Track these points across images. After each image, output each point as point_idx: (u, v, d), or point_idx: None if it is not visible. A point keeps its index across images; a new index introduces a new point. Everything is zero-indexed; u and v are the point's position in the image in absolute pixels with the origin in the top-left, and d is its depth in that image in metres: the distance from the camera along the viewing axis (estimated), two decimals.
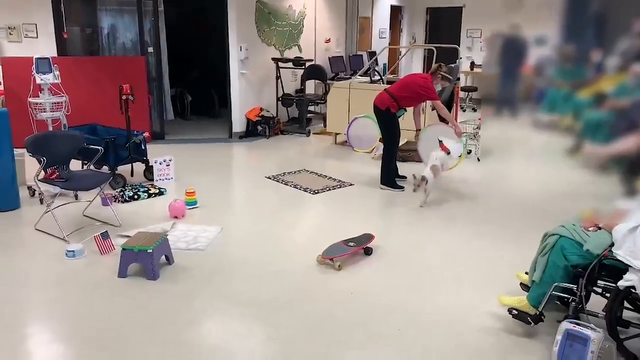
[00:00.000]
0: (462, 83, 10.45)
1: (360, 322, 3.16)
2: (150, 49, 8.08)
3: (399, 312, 3.27)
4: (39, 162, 4.29)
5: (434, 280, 3.71)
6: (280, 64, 8.87)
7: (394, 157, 5.94)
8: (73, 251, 3.93)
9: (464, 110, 11.14)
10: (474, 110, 11.27)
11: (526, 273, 3.32)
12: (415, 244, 4.36)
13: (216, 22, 8.42)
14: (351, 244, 4.01)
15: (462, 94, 9.66)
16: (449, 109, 7.85)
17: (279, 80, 8.93)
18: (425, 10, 13.71)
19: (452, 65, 7.83)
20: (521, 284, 3.35)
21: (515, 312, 3.00)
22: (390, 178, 5.88)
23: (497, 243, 4.37)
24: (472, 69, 11.92)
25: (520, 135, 8.07)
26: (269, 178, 6.26)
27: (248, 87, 8.65)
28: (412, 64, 13.48)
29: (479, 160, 7.24)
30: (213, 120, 9.80)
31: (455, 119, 7.78)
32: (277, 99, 9.02)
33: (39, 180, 4.37)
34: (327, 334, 3.03)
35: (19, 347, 2.91)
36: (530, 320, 2.94)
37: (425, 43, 13.24)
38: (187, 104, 9.97)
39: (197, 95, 10.02)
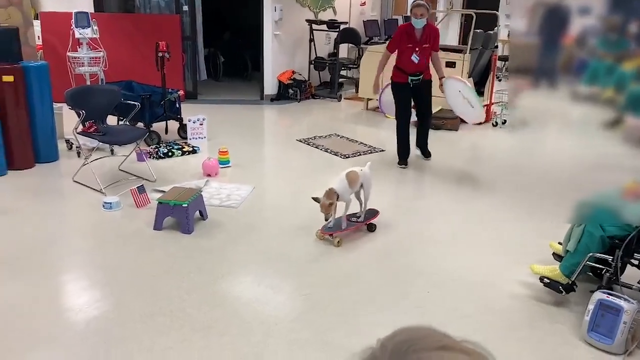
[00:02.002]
0: (499, 52, 10.16)
1: (387, 283, 3.20)
2: (185, 8, 8.06)
3: (427, 275, 3.29)
4: (78, 115, 4.37)
5: (464, 246, 3.71)
6: (314, 27, 8.76)
7: (400, 131, 5.35)
8: (110, 203, 4.03)
9: (500, 80, 10.87)
10: None
11: (559, 243, 3.29)
12: (445, 212, 4.35)
13: None
14: (354, 219, 3.84)
15: (498, 63, 9.41)
16: (486, 77, 7.68)
17: (312, 43, 8.83)
18: None
19: (491, 32, 7.62)
20: (554, 253, 3.33)
21: (546, 280, 2.99)
22: (399, 152, 5.42)
23: (530, 213, 4.32)
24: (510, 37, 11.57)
25: (557, 107, 7.88)
26: (299, 141, 6.27)
27: (281, 49, 8.59)
28: (448, 31, 13.15)
29: (510, 130, 7.10)
30: (244, 83, 9.79)
31: (492, 88, 7.62)
32: (310, 63, 8.95)
33: (77, 133, 4.47)
34: (354, 293, 3.07)
35: (59, 291, 3.04)
36: (562, 289, 2.93)
37: (463, 8, 12.86)
38: (219, 65, 9.97)
39: (229, 56, 10.00)
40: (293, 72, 8.65)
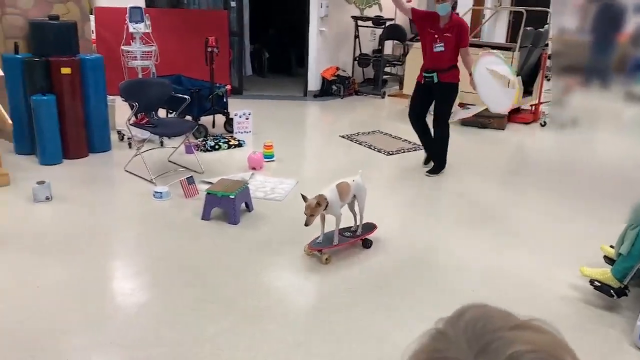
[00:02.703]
0: (549, 50, 9.90)
1: (431, 279, 3.19)
2: (233, 4, 8.18)
3: (472, 273, 3.26)
4: (131, 107, 4.52)
5: (511, 245, 3.65)
6: (360, 23, 8.76)
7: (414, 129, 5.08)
8: (160, 193, 4.16)
9: (549, 80, 10.59)
10: None
11: (611, 246, 3.20)
12: (495, 209, 4.29)
13: None
14: (347, 234, 3.54)
15: (548, 62, 9.18)
16: (535, 76, 7.51)
17: (357, 40, 8.83)
18: None
19: (542, 29, 7.44)
20: (605, 257, 3.24)
21: (597, 283, 2.91)
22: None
23: (580, 214, 4.22)
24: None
25: (610, 107, 7.63)
26: (342, 137, 6.29)
27: (325, 46, 8.62)
28: (496, 28, 12.89)
29: (558, 129, 6.92)
30: (288, 78, 9.88)
31: (541, 87, 7.45)
32: (354, 59, 8.95)
33: (130, 124, 4.62)
34: (395, 288, 3.07)
35: (111, 276, 3.16)
36: (613, 292, 2.85)
37: (511, 5, 12.58)
38: (264, 61, 10.09)
39: (274, 52, 10.10)
40: (337, 69, 8.67)
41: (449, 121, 4.93)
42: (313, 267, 3.28)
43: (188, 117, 5.90)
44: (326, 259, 3.30)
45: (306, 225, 3.18)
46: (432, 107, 4.94)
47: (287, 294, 2.99)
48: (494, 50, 4.91)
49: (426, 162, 5.20)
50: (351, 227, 3.60)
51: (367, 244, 3.54)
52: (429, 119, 5.00)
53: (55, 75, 4.82)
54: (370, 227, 3.63)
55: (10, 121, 4.39)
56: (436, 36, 4.62)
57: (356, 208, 3.57)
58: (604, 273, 2.99)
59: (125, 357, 2.45)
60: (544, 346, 0.49)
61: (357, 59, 8.94)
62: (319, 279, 3.15)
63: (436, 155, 5.05)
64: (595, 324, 2.80)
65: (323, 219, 3.37)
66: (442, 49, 4.59)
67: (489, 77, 4.66)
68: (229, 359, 2.44)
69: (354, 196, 3.50)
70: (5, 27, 4.96)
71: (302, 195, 3.28)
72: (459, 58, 4.74)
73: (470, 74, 4.70)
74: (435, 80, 4.68)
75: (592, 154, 6.22)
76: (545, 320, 0.57)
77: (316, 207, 3.18)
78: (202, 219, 3.85)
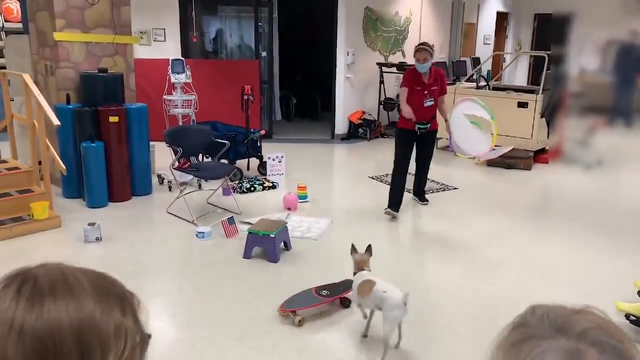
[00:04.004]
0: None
1: (470, 314, 3.29)
2: (264, 54, 8.60)
3: (509, 308, 3.34)
4: (175, 152, 4.80)
5: (546, 283, 3.74)
6: (384, 69, 9.09)
7: (395, 176, 5.09)
8: (203, 233, 4.37)
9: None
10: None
11: None
12: (523, 250, 4.39)
13: (325, 28, 8.80)
14: (324, 292, 3.30)
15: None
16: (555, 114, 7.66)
17: (382, 85, 9.14)
18: (532, 17, 13.33)
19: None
20: (639, 292, 3.31)
21: (633, 317, 2.99)
22: (390, 198, 5.09)
23: (611, 252, 4.29)
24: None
25: (635, 147, 7.72)
26: (371, 178, 6.48)
27: (352, 91, 8.94)
28: (517, 72, 13.15)
29: (588, 169, 7.02)
30: (315, 122, 10.19)
31: (560, 124, 7.57)
32: (379, 103, 9.24)
33: (174, 169, 4.89)
34: (434, 324, 3.18)
35: (159, 312, 3.34)
36: None
37: (531, 49, 12.87)
38: (292, 106, 10.45)
39: (300, 97, 10.48)
40: (363, 113, 8.96)
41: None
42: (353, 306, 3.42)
43: (223, 161, 6.18)
44: (299, 321, 3.09)
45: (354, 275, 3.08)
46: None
47: (323, 327, 3.12)
48: (473, 97, 5.12)
49: (396, 209, 5.04)
50: (328, 284, 3.40)
51: (345, 303, 3.34)
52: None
53: (103, 123, 5.15)
54: (349, 285, 3.27)
55: (64, 167, 4.69)
56: (425, 92, 4.86)
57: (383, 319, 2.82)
58: (639, 308, 3.06)
59: None
60: (603, 324, 0.65)
61: (382, 103, 9.23)
62: (352, 315, 3.28)
63: (423, 183, 5.50)
64: None
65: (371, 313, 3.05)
66: (432, 102, 4.91)
67: (465, 122, 4.97)
68: None
69: (379, 308, 2.86)
70: (58, 79, 5.35)
71: (352, 245, 3.18)
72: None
73: (446, 120, 5.07)
74: (428, 130, 4.98)
75: (619, 194, 6.29)
76: (596, 306, 0.73)
77: (357, 262, 3.10)
78: (243, 257, 4.03)
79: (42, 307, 0.61)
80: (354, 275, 3.09)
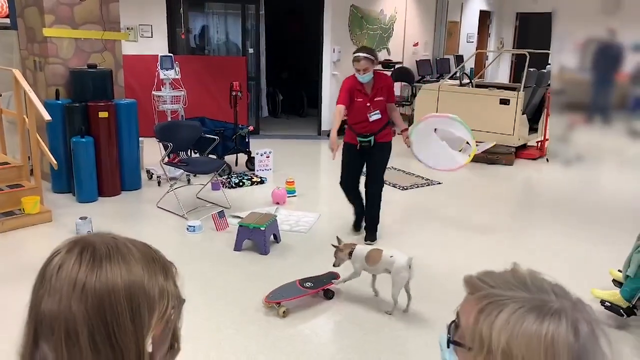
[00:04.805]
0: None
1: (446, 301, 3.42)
2: (251, 50, 8.67)
3: None
4: (165, 147, 4.86)
5: None
6: None
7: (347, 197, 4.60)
8: (194, 226, 4.45)
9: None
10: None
11: (619, 270, 3.45)
12: (504, 240, 4.54)
13: (311, 25, 8.90)
14: (308, 284, 3.40)
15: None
16: (539, 114, 7.87)
17: None
18: (515, 16, 13.57)
19: (544, 70, 7.84)
20: (613, 280, 3.48)
21: (607, 304, 3.15)
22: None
23: (589, 243, 4.47)
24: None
25: (613, 143, 7.95)
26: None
27: (338, 88, 9.01)
28: (499, 69, 13.39)
29: (568, 165, 7.23)
30: (301, 119, 10.29)
31: (546, 124, 7.79)
32: None
33: (164, 163, 4.95)
34: (413, 323, 3.31)
35: None
36: (622, 312, 3.09)
37: (513, 48, 13.11)
38: (278, 103, 10.53)
39: (287, 94, 10.56)
40: None
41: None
42: (337, 294, 3.54)
43: (212, 156, 6.25)
44: (283, 312, 3.20)
45: (334, 266, 3.45)
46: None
47: (318, 317, 3.24)
48: (451, 115, 4.48)
49: (357, 228, 4.62)
50: (312, 277, 3.50)
51: (328, 295, 3.45)
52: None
53: (93, 118, 5.19)
54: (332, 277, 3.50)
55: (55, 161, 4.73)
56: (368, 104, 4.18)
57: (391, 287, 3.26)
58: (614, 294, 3.23)
59: None
60: (536, 274, 0.81)
61: None
62: (341, 307, 3.40)
63: (374, 218, 4.49)
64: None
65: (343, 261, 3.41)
66: (379, 116, 4.20)
67: (435, 137, 4.43)
68: None
69: (387, 270, 3.27)
70: (47, 75, 5.37)
71: (337, 237, 3.55)
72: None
73: (403, 131, 4.38)
74: (372, 143, 4.27)
75: (597, 188, 6.50)
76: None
77: (337, 251, 3.41)
78: (234, 249, 4.12)
79: (101, 270, 0.72)
80: (349, 255, 3.37)
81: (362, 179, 4.53)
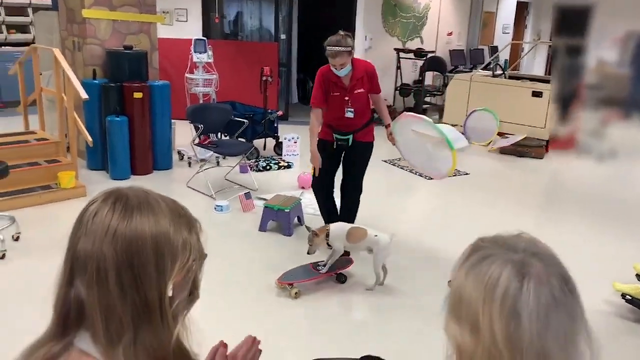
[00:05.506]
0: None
1: None
2: (283, 36, 8.73)
3: None
4: (196, 129, 4.98)
5: None
6: (402, 55, 9.17)
7: (319, 204, 4.05)
8: (221, 206, 4.57)
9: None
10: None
11: None
12: (528, 231, 4.51)
13: (344, 13, 8.89)
14: (320, 268, 3.44)
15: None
16: (573, 106, 7.72)
17: (399, 70, 9.23)
18: (553, 7, 13.25)
19: (579, 63, 7.66)
20: (637, 275, 3.44)
21: (629, 297, 3.13)
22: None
23: (616, 238, 4.41)
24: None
25: None
26: (385, 161, 6.62)
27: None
28: (535, 61, 13.13)
29: (601, 159, 7.09)
30: None
31: (576, 116, 7.63)
32: (395, 89, 9.34)
33: (195, 144, 5.08)
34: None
35: None
36: None
37: (550, 40, 12.83)
38: (308, 89, 10.57)
39: None
40: None
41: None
42: (355, 273, 3.60)
43: (241, 139, 6.37)
44: (295, 293, 3.26)
45: (308, 253, 3.42)
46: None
47: (333, 296, 3.32)
48: (422, 116, 3.95)
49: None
50: (321, 261, 3.48)
51: (341, 279, 3.49)
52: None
53: (127, 99, 5.35)
54: (345, 262, 3.53)
55: (90, 139, 4.90)
56: (346, 98, 3.64)
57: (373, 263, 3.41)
58: (636, 289, 3.20)
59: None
60: (536, 242, 0.89)
61: (399, 88, 9.33)
62: (360, 287, 3.46)
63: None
64: (627, 335, 3.01)
65: (321, 246, 3.45)
66: (352, 115, 3.68)
67: (415, 139, 3.84)
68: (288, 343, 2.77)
69: (369, 248, 3.41)
70: (85, 55, 5.54)
71: (306, 226, 3.57)
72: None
73: (387, 126, 3.87)
74: (350, 142, 3.78)
75: (629, 184, 6.37)
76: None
77: (314, 237, 3.38)
78: (259, 230, 4.22)
79: (131, 219, 0.80)
80: (327, 236, 3.40)
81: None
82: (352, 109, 3.63)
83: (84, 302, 0.80)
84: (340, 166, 3.94)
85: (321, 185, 3.89)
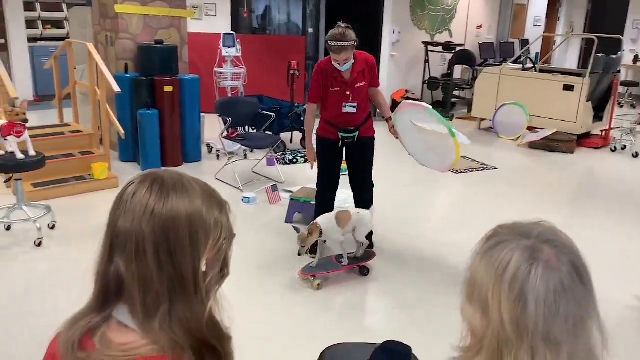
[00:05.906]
0: (622, 77, 9.84)
1: None
2: (310, 30, 8.76)
3: None
4: (225, 122, 5.06)
5: None
6: (430, 48, 9.10)
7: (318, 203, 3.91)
8: (248, 198, 4.64)
9: (621, 106, 10.48)
10: (633, 107, 10.60)
11: None
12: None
13: (372, 6, 8.86)
14: (342, 260, 3.43)
15: (621, 89, 9.12)
16: (606, 102, 7.55)
17: (427, 64, 9.16)
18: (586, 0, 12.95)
19: (614, 56, 7.49)
20: None
21: None
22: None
23: None
24: (634, 63, 11.12)
25: None
26: (411, 155, 6.59)
27: (396, 70, 9.01)
28: (567, 55, 12.85)
29: (634, 156, 6.92)
30: None
31: (612, 113, 7.47)
32: (423, 82, 9.28)
33: (223, 137, 5.16)
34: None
35: None
36: None
37: (584, 32, 12.53)
38: None
39: None
40: (406, 91, 9.02)
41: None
42: (383, 264, 3.62)
43: (268, 133, 6.43)
44: (318, 285, 3.30)
45: (299, 254, 3.30)
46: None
47: (355, 286, 3.34)
48: (422, 102, 3.86)
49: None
50: (348, 253, 3.46)
51: (363, 272, 3.52)
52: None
53: (158, 92, 5.47)
54: (368, 255, 3.54)
55: (122, 131, 5.03)
56: (348, 93, 3.50)
57: (356, 238, 3.45)
58: None
59: None
60: (554, 229, 0.89)
61: (427, 82, 9.27)
62: (387, 277, 3.48)
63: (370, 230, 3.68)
64: None
65: (321, 245, 3.42)
66: (354, 110, 3.55)
67: (416, 130, 3.67)
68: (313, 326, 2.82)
69: (354, 228, 3.41)
70: (117, 50, 5.68)
71: (293, 227, 3.50)
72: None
73: (388, 119, 3.74)
74: (356, 139, 3.65)
75: None
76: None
77: (307, 237, 3.26)
78: (285, 221, 4.28)
79: (168, 199, 0.86)
80: (320, 233, 3.30)
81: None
82: (355, 104, 3.51)
83: (123, 277, 0.86)
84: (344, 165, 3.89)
85: (329, 189, 3.82)
